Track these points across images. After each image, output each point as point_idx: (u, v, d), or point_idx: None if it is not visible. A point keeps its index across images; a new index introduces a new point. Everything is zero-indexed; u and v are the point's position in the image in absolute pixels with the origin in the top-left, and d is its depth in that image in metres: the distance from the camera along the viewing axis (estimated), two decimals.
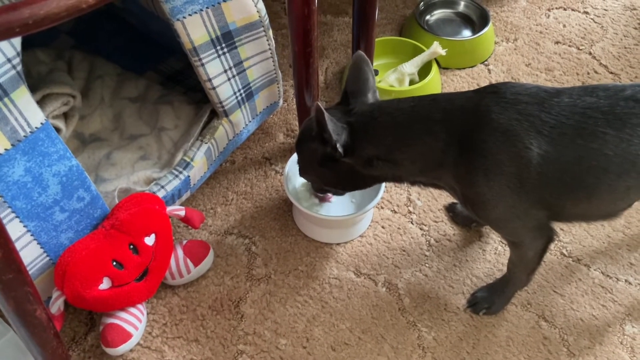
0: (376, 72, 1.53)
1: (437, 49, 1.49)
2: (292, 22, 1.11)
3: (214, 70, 1.12)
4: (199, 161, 1.19)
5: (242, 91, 1.20)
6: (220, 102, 1.17)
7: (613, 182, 0.88)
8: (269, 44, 1.19)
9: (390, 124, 0.95)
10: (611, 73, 1.59)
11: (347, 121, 0.96)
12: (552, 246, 1.13)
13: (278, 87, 1.29)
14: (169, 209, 1.11)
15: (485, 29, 1.60)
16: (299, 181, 1.25)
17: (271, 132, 1.45)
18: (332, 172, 1.03)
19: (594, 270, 1.20)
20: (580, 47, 1.66)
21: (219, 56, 1.12)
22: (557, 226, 1.03)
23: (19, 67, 0.85)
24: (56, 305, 0.99)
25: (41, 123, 0.89)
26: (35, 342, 0.88)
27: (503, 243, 1.23)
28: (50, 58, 1.36)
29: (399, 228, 1.27)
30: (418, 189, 1.32)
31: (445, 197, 1.31)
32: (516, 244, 1.03)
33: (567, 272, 1.19)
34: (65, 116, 1.22)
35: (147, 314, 1.13)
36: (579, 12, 1.77)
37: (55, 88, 1.17)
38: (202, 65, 1.10)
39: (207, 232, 1.26)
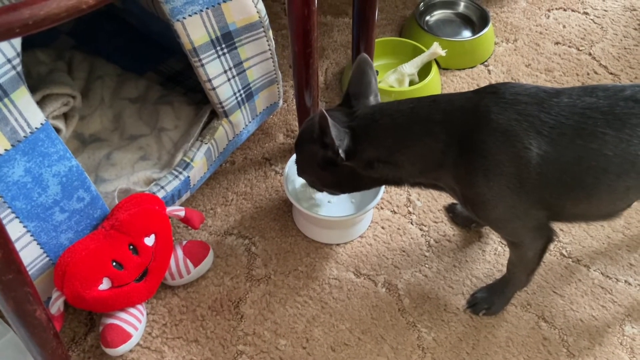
0: (376, 73, 1.53)
1: (437, 49, 1.49)
2: (292, 23, 1.11)
3: (214, 70, 1.12)
4: (199, 162, 1.19)
5: (242, 92, 1.20)
6: (220, 103, 1.17)
7: (612, 183, 0.88)
8: (269, 45, 1.19)
9: (390, 125, 0.95)
10: (611, 74, 1.59)
11: (349, 125, 0.96)
12: (551, 247, 1.13)
13: (278, 88, 1.29)
14: (168, 209, 1.11)
15: (485, 30, 1.60)
16: (298, 182, 1.25)
17: (271, 132, 1.45)
18: (332, 175, 1.03)
19: (594, 270, 1.20)
20: (580, 48, 1.66)
21: (218, 57, 1.12)
22: (557, 226, 1.03)
23: (19, 68, 0.85)
24: (56, 306, 1.00)
25: (41, 123, 0.89)
26: (35, 343, 0.88)
27: (503, 243, 1.23)
28: (50, 58, 1.36)
29: (398, 229, 1.27)
30: (418, 190, 1.32)
31: (445, 198, 1.31)
32: (516, 244, 1.03)
33: (567, 272, 1.19)
34: (65, 117, 1.22)
35: (147, 314, 1.13)
36: (579, 12, 1.77)
37: (55, 88, 1.17)
38: (202, 65, 1.10)
39: (206, 233, 1.26)
